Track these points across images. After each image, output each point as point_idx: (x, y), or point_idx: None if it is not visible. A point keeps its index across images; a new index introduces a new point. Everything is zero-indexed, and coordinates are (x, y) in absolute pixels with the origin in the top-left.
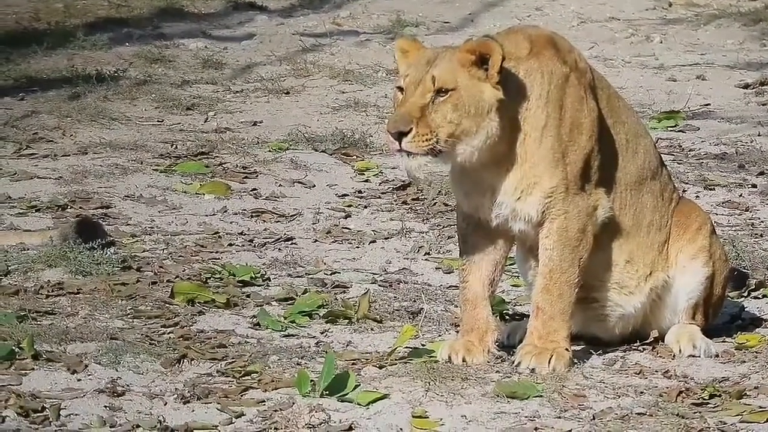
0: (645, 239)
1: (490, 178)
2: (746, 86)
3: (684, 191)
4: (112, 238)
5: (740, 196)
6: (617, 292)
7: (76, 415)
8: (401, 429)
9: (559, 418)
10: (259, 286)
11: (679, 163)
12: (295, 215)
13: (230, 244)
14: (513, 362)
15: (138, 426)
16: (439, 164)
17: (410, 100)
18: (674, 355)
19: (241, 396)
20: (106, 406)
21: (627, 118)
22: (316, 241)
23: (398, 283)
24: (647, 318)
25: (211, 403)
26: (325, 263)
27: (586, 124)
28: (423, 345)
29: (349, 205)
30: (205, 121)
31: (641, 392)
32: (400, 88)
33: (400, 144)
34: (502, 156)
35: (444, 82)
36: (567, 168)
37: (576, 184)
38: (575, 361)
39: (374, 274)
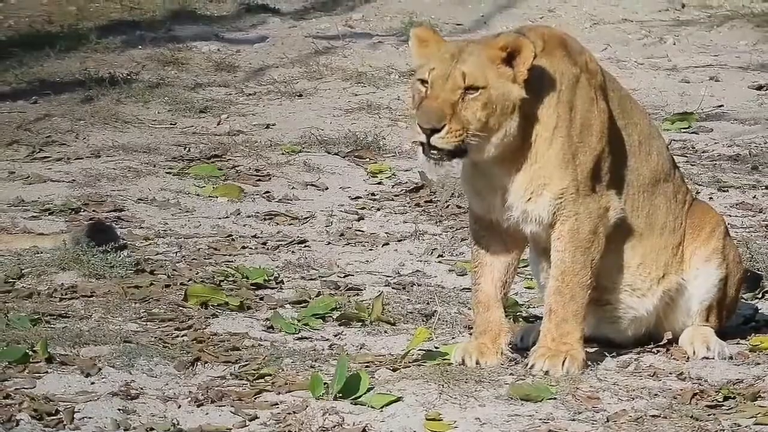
0: (658, 241)
1: (501, 178)
2: (759, 87)
3: (697, 193)
4: (124, 241)
5: (754, 197)
6: (629, 294)
7: (89, 418)
8: (415, 431)
9: (573, 420)
10: (272, 288)
11: (692, 165)
12: (308, 218)
13: (243, 247)
14: (527, 364)
15: (152, 429)
16: (456, 163)
17: (441, 95)
18: (688, 357)
19: (255, 399)
20: (119, 409)
21: (639, 120)
22: (329, 243)
23: (411, 286)
24: (660, 320)
25: (224, 405)
26: (338, 266)
27: (596, 126)
28: (436, 347)
29: (362, 208)
30: (218, 124)
31: (655, 394)
32: (423, 81)
33: (428, 139)
34: (513, 156)
35: (474, 79)
36: (577, 169)
37: (586, 186)
38: (589, 363)
39: (387, 276)
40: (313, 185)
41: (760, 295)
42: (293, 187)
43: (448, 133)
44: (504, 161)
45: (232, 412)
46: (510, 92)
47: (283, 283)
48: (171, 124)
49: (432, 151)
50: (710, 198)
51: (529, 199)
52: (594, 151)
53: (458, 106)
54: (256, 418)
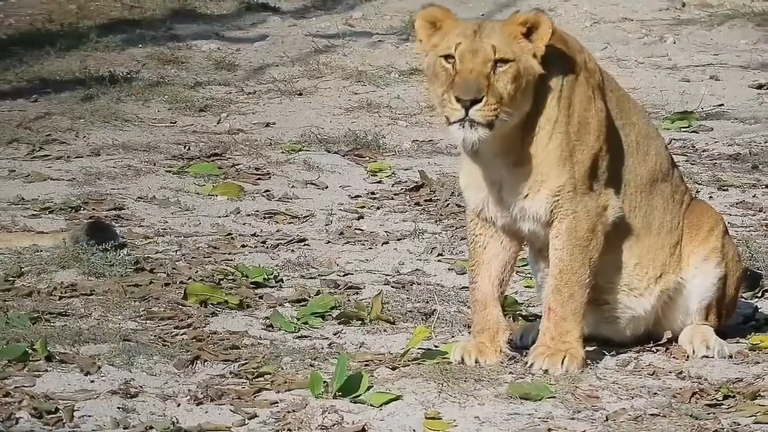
0: (655, 241)
1: (499, 171)
2: (760, 87)
3: (697, 192)
4: (124, 240)
5: (754, 196)
6: (627, 294)
7: (89, 416)
8: (414, 430)
9: (573, 419)
10: (271, 287)
11: (692, 164)
12: (307, 216)
13: (243, 246)
14: (526, 363)
15: (151, 427)
16: (489, 137)
17: (475, 68)
18: (688, 356)
19: (254, 397)
20: (119, 408)
21: (638, 120)
22: (328, 242)
23: (411, 285)
24: (659, 319)
25: (224, 404)
26: (337, 264)
27: (593, 124)
28: (436, 346)
29: (362, 207)
30: (218, 123)
31: (655, 393)
32: (448, 57)
33: (467, 112)
34: (515, 148)
35: (504, 52)
36: (574, 167)
37: (584, 184)
38: (588, 362)
39: (387, 275)
40: (312, 184)
41: (759, 294)
42: (293, 186)
43: (486, 105)
44: (507, 152)
45: (231, 410)
46: (532, 66)
47: (283, 282)
48: (171, 122)
49: (469, 120)
50: (710, 197)
51: (527, 195)
52: (591, 150)
53: (492, 79)
54: (256, 416)
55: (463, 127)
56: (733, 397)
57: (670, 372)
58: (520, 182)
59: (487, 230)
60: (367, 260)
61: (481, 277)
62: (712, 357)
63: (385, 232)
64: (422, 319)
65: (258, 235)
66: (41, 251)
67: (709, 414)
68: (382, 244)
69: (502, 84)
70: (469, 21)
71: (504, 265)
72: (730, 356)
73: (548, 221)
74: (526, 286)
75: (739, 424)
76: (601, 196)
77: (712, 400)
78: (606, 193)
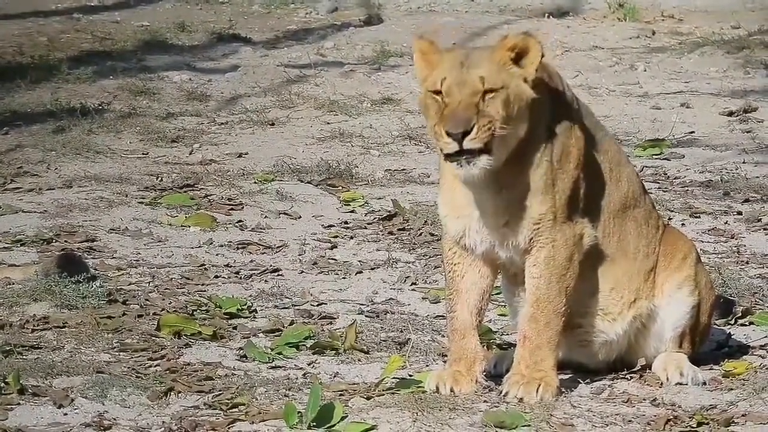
0: (631, 266)
1: (485, 198)
2: (730, 114)
3: (669, 219)
4: (96, 272)
5: (726, 223)
6: (601, 318)
7: None
8: None
9: None
10: (245, 317)
11: (664, 191)
12: (281, 246)
13: (216, 276)
14: (501, 392)
15: None
16: (492, 164)
17: (463, 100)
18: (662, 383)
19: (229, 428)
20: None
21: (609, 147)
22: (302, 272)
23: (385, 314)
24: (632, 345)
25: None
26: (311, 294)
27: (573, 152)
28: (410, 375)
29: (335, 236)
30: (190, 154)
31: (629, 421)
32: (437, 92)
33: (461, 145)
34: (503, 173)
35: (493, 82)
36: (556, 196)
37: (564, 213)
38: (563, 390)
39: (361, 304)
40: (285, 214)
41: (732, 321)
42: (266, 216)
43: (479, 130)
44: (496, 178)
45: None
46: (524, 92)
47: (257, 312)
48: (143, 153)
49: (466, 157)
50: (682, 224)
51: (508, 221)
52: (572, 178)
53: (481, 106)
54: None
55: (461, 165)
56: (707, 424)
57: (644, 399)
58: (504, 208)
59: (465, 259)
60: (340, 290)
61: (459, 306)
62: (686, 384)
63: (359, 261)
64: (396, 349)
65: (231, 266)
66: (13, 284)
67: None
68: (356, 273)
69: (494, 108)
70: (455, 51)
71: (482, 293)
72: (704, 383)
73: (526, 249)
74: (500, 314)
75: None
76: (578, 224)
77: (686, 427)
78: (582, 221)
